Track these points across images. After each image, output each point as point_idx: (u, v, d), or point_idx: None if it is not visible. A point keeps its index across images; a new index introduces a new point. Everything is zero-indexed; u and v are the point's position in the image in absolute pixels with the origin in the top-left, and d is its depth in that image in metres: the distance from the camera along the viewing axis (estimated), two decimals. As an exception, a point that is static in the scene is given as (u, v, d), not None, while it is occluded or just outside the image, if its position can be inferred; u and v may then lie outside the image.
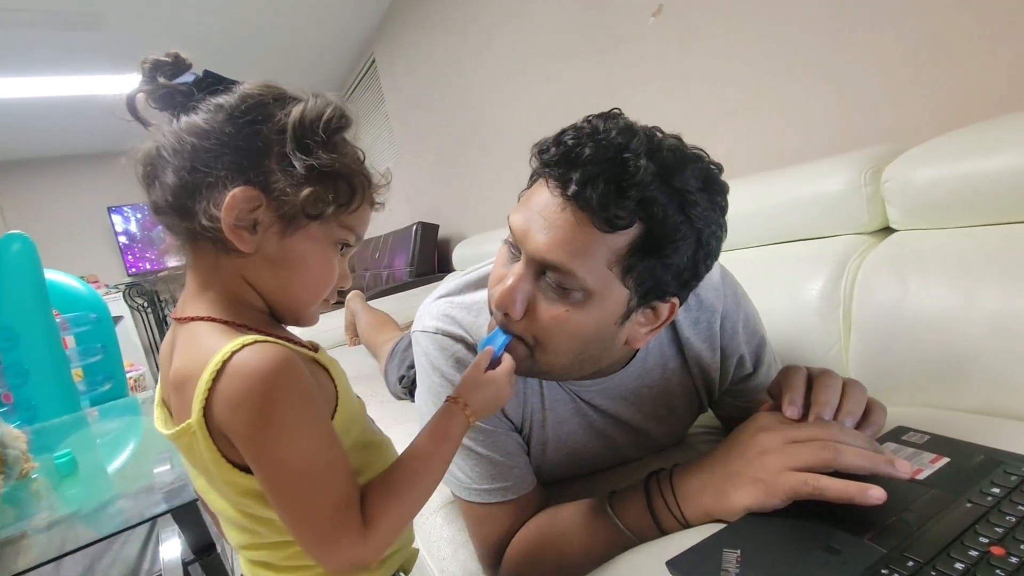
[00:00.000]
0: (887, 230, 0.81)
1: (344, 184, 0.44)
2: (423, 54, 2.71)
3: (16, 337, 2.03)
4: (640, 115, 0.49)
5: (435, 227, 2.83)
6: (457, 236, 2.80)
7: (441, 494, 0.78)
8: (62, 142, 3.93)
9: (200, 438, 0.39)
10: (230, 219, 0.40)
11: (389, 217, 3.74)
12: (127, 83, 0.44)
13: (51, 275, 2.21)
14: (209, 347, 0.39)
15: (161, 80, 0.43)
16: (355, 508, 0.40)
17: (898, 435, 0.49)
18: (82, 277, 2.55)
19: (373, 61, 3.34)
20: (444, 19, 2.44)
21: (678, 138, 0.48)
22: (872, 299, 0.74)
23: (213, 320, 0.42)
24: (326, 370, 0.46)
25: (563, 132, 0.47)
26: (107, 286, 4.48)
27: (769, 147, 1.21)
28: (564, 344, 0.49)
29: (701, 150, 0.48)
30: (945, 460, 0.44)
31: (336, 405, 0.45)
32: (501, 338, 0.51)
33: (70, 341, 2.30)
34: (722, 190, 0.48)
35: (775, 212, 0.91)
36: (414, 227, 2.78)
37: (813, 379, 0.48)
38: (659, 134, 0.47)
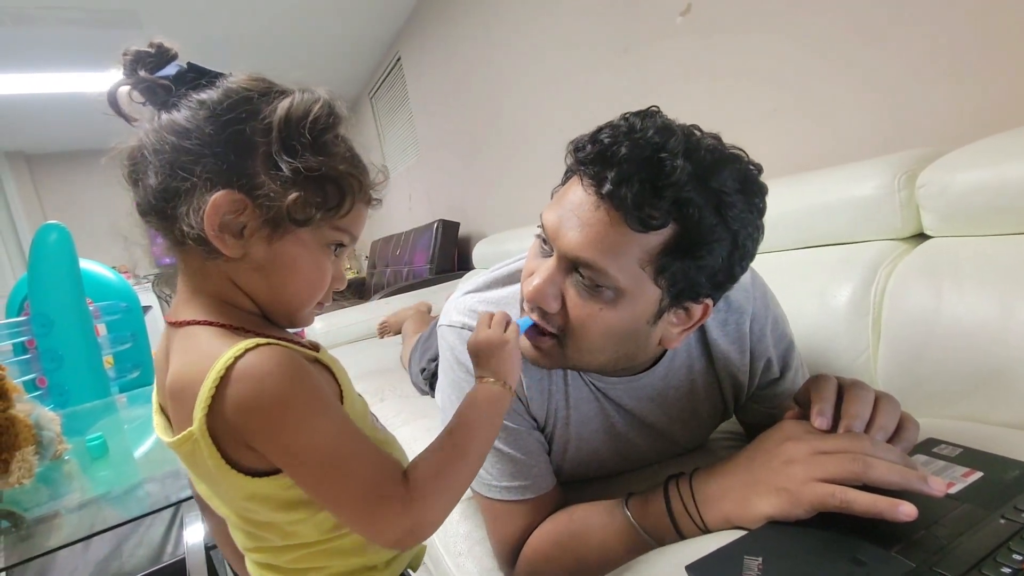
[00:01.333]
0: (920, 236, 0.79)
1: (333, 187, 0.42)
2: (447, 53, 2.73)
3: (51, 323, 2.10)
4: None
5: (456, 224, 2.84)
6: (477, 234, 2.81)
7: (458, 490, 0.78)
8: (98, 136, 4.06)
9: (203, 445, 0.38)
10: (214, 225, 0.39)
11: (410, 214, 3.77)
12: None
13: (85, 264, 2.28)
14: (210, 353, 0.38)
15: (142, 73, 0.41)
16: (393, 480, 0.40)
17: (929, 447, 0.48)
18: (114, 267, 2.63)
19: (398, 59, 3.38)
20: (469, 18, 2.45)
21: (717, 137, 0.47)
22: (904, 306, 0.72)
23: (210, 324, 0.41)
24: (329, 369, 0.46)
25: (599, 130, 0.47)
26: (137, 276, 4.61)
27: (799, 149, 1.19)
28: (597, 341, 0.50)
29: (740, 150, 0.47)
30: (978, 474, 0.43)
31: (341, 403, 0.45)
32: (527, 320, 0.51)
33: (101, 329, 2.38)
34: (760, 191, 0.47)
35: (804, 216, 0.89)
36: (435, 224, 2.80)
37: (844, 390, 0.47)
38: (697, 133, 0.47)
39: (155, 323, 4.40)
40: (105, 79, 0.42)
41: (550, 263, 0.49)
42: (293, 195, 0.40)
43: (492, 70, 2.37)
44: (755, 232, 0.47)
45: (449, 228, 2.81)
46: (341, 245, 0.46)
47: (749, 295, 0.61)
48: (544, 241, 0.51)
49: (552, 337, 0.51)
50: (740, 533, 0.42)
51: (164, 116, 0.40)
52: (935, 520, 0.38)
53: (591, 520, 0.55)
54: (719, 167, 0.44)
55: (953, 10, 0.90)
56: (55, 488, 1.08)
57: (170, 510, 1.13)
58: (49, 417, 1.10)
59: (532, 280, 0.49)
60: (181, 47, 0.43)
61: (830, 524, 0.39)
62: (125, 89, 0.41)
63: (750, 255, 0.48)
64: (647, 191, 0.42)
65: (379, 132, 4.11)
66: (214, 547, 1.12)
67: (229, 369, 0.37)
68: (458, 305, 0.63)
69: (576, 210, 0.46)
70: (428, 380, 1.23)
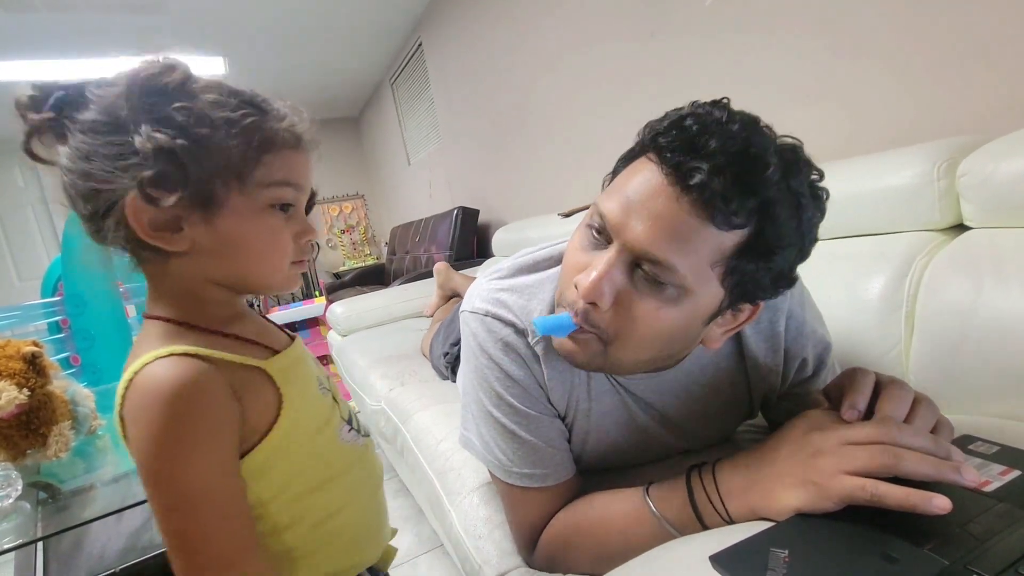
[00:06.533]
0: (960, 227, 0.76)
1: (227, 148, 0.40)
2: (469, 38, 2.71)
3: (85, 304, 2.17)
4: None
5: (475, 212, 2.84)
6: (497, 221, 2.81)
7: (478, 475, 0.79)
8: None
9: (122, 439, 0.41)
10: (144, 228, 0.40)
11: (430, 201, 3.78)
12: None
13: (116, 247, 2.34)
14: (138, 353, 0.41)
15: (31, 116, 0.41)
16: (218, 565, 0.39)
17: (964, 444, 0.46)
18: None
19: (420, 45, 3.36)
20: (492, 3, 2.42)
21: (791, 137, 0.45)
22: (940, 300, 0.69)
23: (163, 320, 0.43)
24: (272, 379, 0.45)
25: (682, 117, 0.43)
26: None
27: (833, 136, 1.15)
28: (648, 341, 0.47)
29: (800, 142, 0.45)
30: (1016, 472, 0.41)
31: (279, 414, 0.45)
32: (567, 324, 0.47)
33: (131, 310, 2.44)
34: (824, 195, 0.46)
35: (837, 206, 0.84)
36: (455, 212, 2.80)
37: (881, 387, 0.45)
38: (772, 130, 0.44)
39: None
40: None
41: (609, 256, 0.45)
42: (149, 173, 0.38)
43: (514, 56, 2.35)
44: (816, 237, 0.46)
45: (469, 215, 2.81)
46: (288, 203, 0.45)
47: (785, 293, 0.59)
48: (598, 232, 0.47)
49: (596, 336, 0.48)
50: (765, 524, 0.42)
51: (62, 148, 0.40)
52: (970, 518, 0.37)
53: (611, 508, 0.55)
54: (798, 168, 0.42)
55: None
56: (90, 462, 1.11)
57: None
58: (84, 394, 1.14)
59: (589, 274, 0.45)
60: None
61: (859, 517, 0.39)
62: (35, 137, 0.41)
63: (807, 258, 0.47)
64: (738, 187, 0.39)
65: (400, 118, 4.11)
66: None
67: (136, 374, 0.39)
68: (482, 292, 0.62)
69: (648, 200, 0.42)
70: (450, 365, 1.24)
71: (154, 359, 0.39)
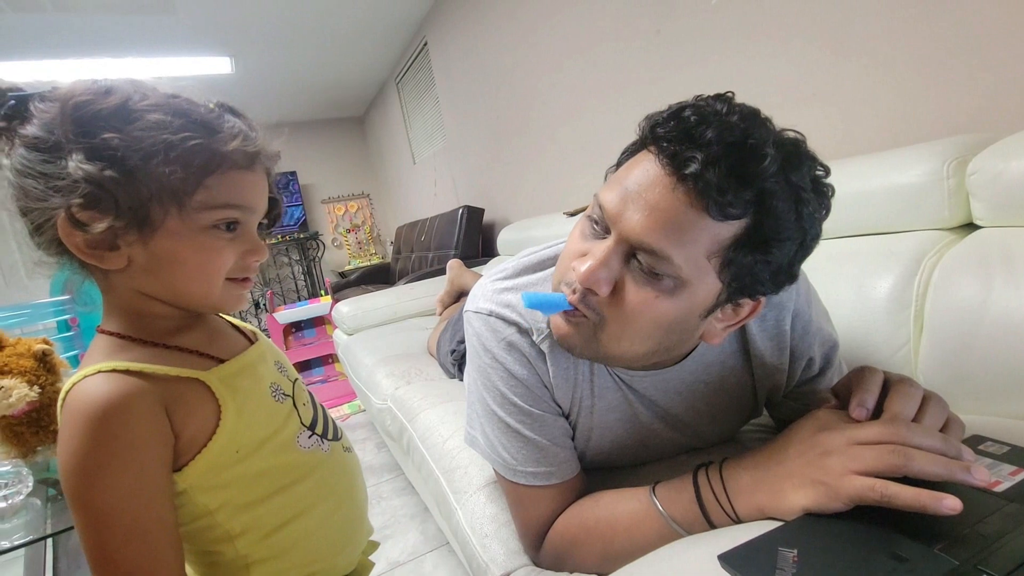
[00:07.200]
0: (970, 226, 0.75)
1: (164, 171, 0.39)
2: (475, 38, 2.71)
3: (93, 302, 2.19)
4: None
5: (480, 211, 2.84)
6: (502, 220, 2.81)
7: (485, 473, 0.79)
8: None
9: None
10: (78, 247, 0.40)
11: (435, 200, 3.79)
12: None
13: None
14: (81, 368, 0.41)
15: None
16: None
17: (974, 444, 0.46)
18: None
19: (425, 44, 3.36)
20: (497, 1, 2.42)
21: (794, 131, 0.45)
22: (949, 299, 0.69)
23: (109, 333, 0.44)
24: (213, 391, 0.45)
25: (681, 108, 0.43)
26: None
27: (841, 135, 1.15)
28: (643, 331, 0.47)
29: (803, 136, 0.45)
30: (1026, 473, 0.41)
31: (216, 430, 0.44)
32: (558, 303, 0.48)
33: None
34: (829, 192, 0.45)
35: (845, 204, 0.84)
36: (460, 211, 2.80)
37: (890, 385, 0.45)
38: (772, 123, 0.44)
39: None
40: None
41: (606, 245, 0.45)
42: (77, 200, 0.38)
43: (519, 55, 2.34)
44: (819, 235, 0.45)
45: (474, 214, 2.81)
46: (234, 221, 0.44)
47: (791, 292, 0.58)
48: (596, 223, 0.47)
49: (587, 320, 0.48)
50: (773, 524, 0.42)
51: (4, 161, 0.40)
52: (980, 518, 0.37)
53: (618, 507, 0.54)
54: (800, 162, 0.42)
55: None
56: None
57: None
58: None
59: (585, 262, 0.45)
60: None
61: (869, 517, 0.38)
62: None
63: (809, 254, 0.46)
64: (734, 178, 0.40)
65: (405, 118, 4.12)
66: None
67: (68, 392, 0.40)
68: (485, 291, 0.62)
69: (645, 191, 0.43)
70: (457, 362, 1.24)
71: (83, 377, 0.40)
